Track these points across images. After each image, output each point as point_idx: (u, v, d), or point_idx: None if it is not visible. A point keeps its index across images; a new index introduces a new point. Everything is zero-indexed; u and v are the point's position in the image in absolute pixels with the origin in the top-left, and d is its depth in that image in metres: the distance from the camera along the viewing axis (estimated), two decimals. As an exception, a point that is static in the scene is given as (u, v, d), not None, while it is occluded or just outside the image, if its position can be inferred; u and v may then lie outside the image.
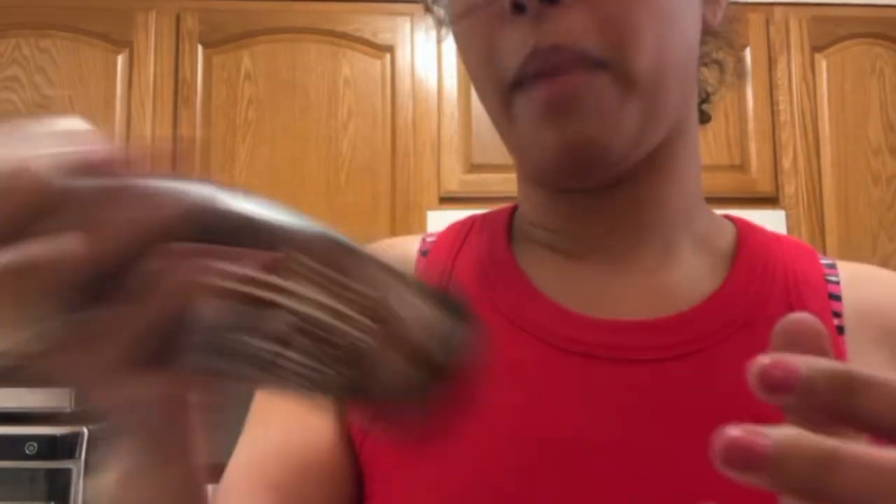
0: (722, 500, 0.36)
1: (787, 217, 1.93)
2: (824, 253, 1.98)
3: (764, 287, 0.47)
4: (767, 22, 2.02)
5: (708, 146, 1.96)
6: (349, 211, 1.91)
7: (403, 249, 0.53)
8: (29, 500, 1.62)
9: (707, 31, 0.48)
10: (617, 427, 0.43)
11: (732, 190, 1.95)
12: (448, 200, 1.91)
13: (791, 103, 1.99)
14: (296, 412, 0.47)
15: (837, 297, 0.47)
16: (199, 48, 1.94)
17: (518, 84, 0.41)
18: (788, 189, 1.96)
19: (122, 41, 1.93)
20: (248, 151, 1.91)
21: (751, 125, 1.97)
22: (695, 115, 0.50)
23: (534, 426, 0.43)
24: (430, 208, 1.91)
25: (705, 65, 0.51)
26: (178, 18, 1.95)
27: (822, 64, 2.01)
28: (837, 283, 0.48)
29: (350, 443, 0.47)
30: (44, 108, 1.89)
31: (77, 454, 1.64)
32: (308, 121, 1.93)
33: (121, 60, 1.92)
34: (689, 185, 0.49)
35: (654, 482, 0.41)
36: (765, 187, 1.96)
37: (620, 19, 0.40)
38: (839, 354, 0.45)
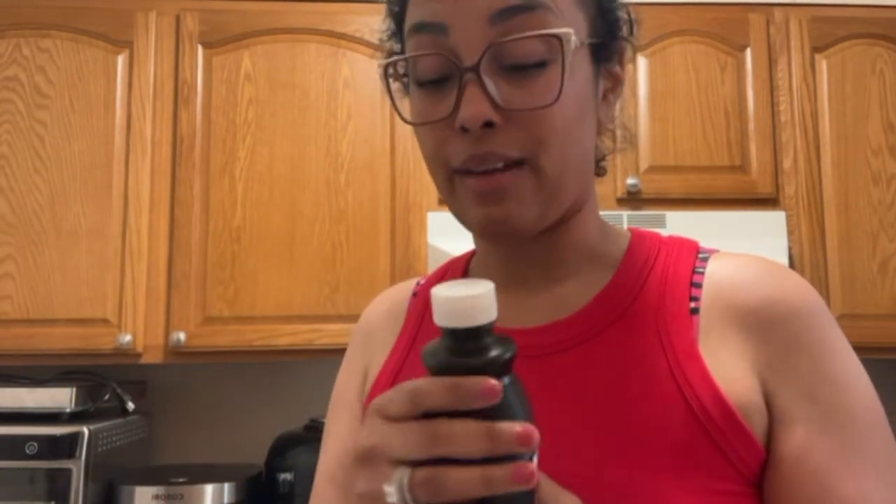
0: (588, 453, 0.53)
1: (787, 217, 1.93)
2: (824, 254, 1.99)
3: (637, 284, 0.61)
4: (768, 22, 2.02)
5: (708, 147, 1.96)
6: (349, 211, 1.91)
7: (402, 294, 0.74)
8: (29, 500, 1.62)
9: (601, 124, 0.64)
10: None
11: (732, 191, 1.95)
12: (448, 201, 1.91)
13: (791, 104, 1.99)
14: (348, 421, 0.70)
15: (699, 285, 0.60)
16: (199, 48, 1.94)
17: (458, 172, 0.58)
18: (788, 190, 1.96)
19: (122, 41, 1.93)
20: (248, 151, 1.91)
21: (751, 126, 1.97)
22: (592, 185, 0.65)
23: None
24: (430, 209, 1.90)
25: (600, 134, 0.66)
26: (178, 19, 1.95)
27: (823, 64, 2.01)
28: (702, 273, 0.60)
29: None
30: (44, 108, 1.89)
31: (77, 454, 1.64)
32: (308, 121, 1.93)
33: (121, 60, 1.92)
34: (587, 231, 0.64)
35: (549, 446, 0.53)
36: (765, 188, 1.96)
37: (536, 136, 0.55)
38: (684, 326, 0.57)
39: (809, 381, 0.55)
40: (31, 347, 1.81)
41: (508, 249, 0.64)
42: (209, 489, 1.75)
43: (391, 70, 0.61)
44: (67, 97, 1.90)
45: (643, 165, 1.94)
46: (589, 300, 0.61)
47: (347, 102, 1.94)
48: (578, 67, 0.57)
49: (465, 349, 0.42)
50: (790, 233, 1.93)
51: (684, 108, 1.97)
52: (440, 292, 0.42)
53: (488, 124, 0.54)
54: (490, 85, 0.54)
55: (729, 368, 0.55)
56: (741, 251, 0.65)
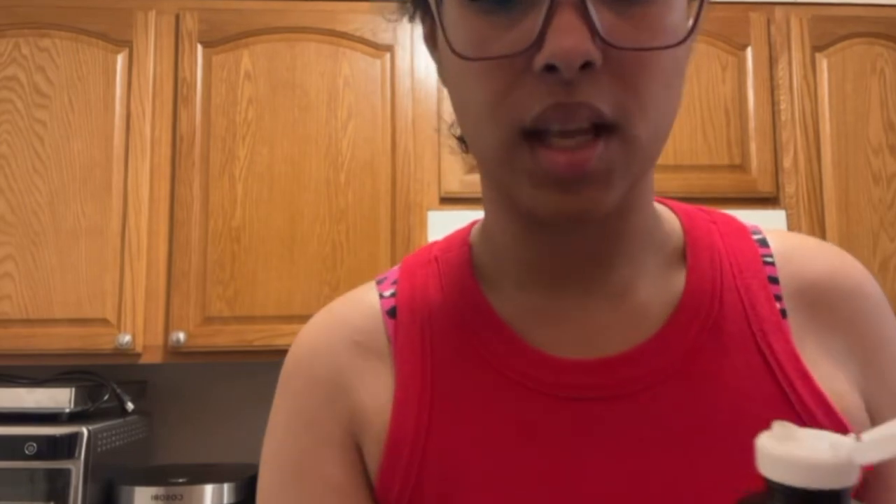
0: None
1: (788, 217, 1.93)
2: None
3: (716, 283, 0.50)
4: (768, 21, 2.02)
5: (708, 146, 1.96)
6: (349, 211, 1.90)
7: (367, 314, 0.54)
8: (29, 500, 1.62)
9: None
10: (632, 460, 0.45)
11: (733, 190, 1.95)
12: (449, 201, 1.90)
13: (792, 103, 1.99)
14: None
15: (775, 280, 0.50)
16: (199, 48, 1.94)
17: (535, 134, 0.42)
18: (789, 189, 1.96)
19: (121, 41, 1.92)
20: (248, 151, 1.91)
21: (751, 125, 1.97)
22: None
23: (533, 470, 0.46)
24: (431, 208, 1.90)
25: None
26: (177, 18, 1.94)
27: (823, 63, 2.01)
28: (773, 263, 0.51)
29: None
30: (43, 107, 1.89)
31: (77, 454, 1.64)
32: (308, 121, 1.93)
33: (121, 60, 1.92)
34: (648, 209, 0.51)
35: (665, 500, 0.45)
36: (765, 187, 1.96)
37: (636, 89, 0.41)
38: (784, 338, 0.48)
39: (893, 382, 0.49)
40: (31, 347, 1.81)
41: (560, 239, 0.49)
42: (209, 489, 1.74)
43: None
44: (67, 97, 1.89)
45: (643, 165, 1.94)
46: (670, 309, 0.49)
47: (348, 102, 1.94)
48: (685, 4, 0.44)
49: None
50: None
51: (684, 108, 1.97)
52: (777, 447, 0.31)
53: (587, 65, 0.39)
54: (592, 10, 0.39)
55: (834, 382, 0.48)
56: None
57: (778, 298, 0.49)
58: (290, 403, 0.53)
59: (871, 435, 0.31)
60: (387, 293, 0.54)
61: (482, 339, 0.50)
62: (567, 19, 0.39)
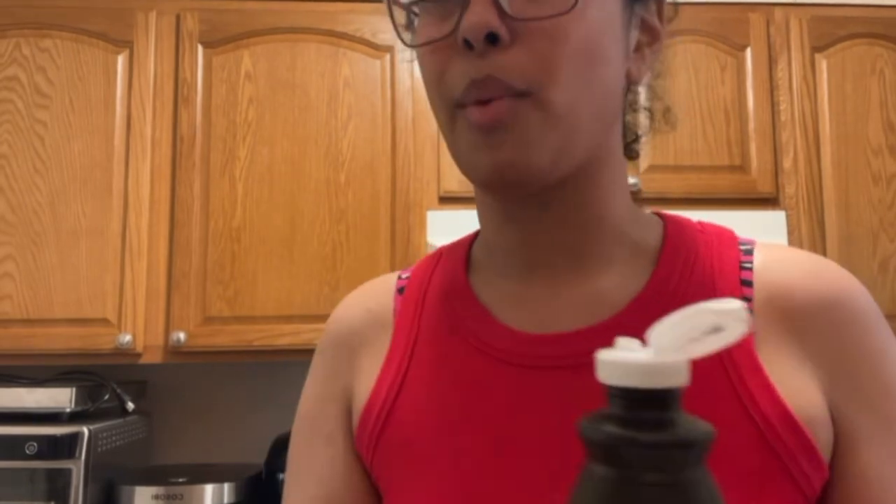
0: None
1: (788, 217, 1.93)
2: (824, 254, 1.99)
3: (683, 280, 0.54)
4: (768, 22, 2.02)
5: (708, 146, 1.96)
6: (349, 211, 1.91)
7: (384, 290, 0.64)
8: (29, 500, 1.62)
9: (633, 82, 0.56)
10: (564, 425, 0.48)
11: (733, 190, 1.95)
12: (448, 200, 1.91)
13: (791, 103, 1.99)
14: (330, 458, 0.59)
15: (749, 283, 0.53)
16: (199, 48, 1.94)
17: (460, 106, 0.50)
18: (789, 189, 1.96)
19: (122, 41, 1.93)
20: (248, 151, 1.91)
21: (751, 125, 1.97)
22: (619, 150, 0.57)
23: (484, 425, 0.52)
24: (430, 208, 1.90)
25: (635, 111, 0.61)
26: (178, 18, 1.95)
27: (823, 64, 2.01)
28: (751, 269, 0.54)
29: (366, 472, 0.58)
30: (44, 107, 1.89)
31: (77, 454, 1.64)
32: (308, 121, 1.93)
33: (121, 60, 1.92)
34: (615, 207, 0.56)
35: None
36: (765, 187, 1.96)
37: (545, 58, 0.48)
38: (747, 337, 0.49)
39: (872, 392, 0.51)
40: (31, 347, 1.81)
41: (528, 227, 0.56)
42: (209, 489, 1.74)
43: None
44: (67, 97, 1.90)
45: (643, 165, 1.94)
46: (631, 297, 0.53)
47: (348, 102, 1.94)
48: None
49: (644, 419, 0.31)
50: (790, 232, 1.93)
51: (684, 108, 1.97)
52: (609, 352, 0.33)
53: (493, 38, 0.47)
54: None
55: (791, 379, 0.50)
56: None
57: (747, 299, 0.52)
58: (314, 363, 0.64)
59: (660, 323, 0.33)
60: (403, 276, 0.64)
61: (459, 315, 0.57)
62: (478, 4, 0.48)
